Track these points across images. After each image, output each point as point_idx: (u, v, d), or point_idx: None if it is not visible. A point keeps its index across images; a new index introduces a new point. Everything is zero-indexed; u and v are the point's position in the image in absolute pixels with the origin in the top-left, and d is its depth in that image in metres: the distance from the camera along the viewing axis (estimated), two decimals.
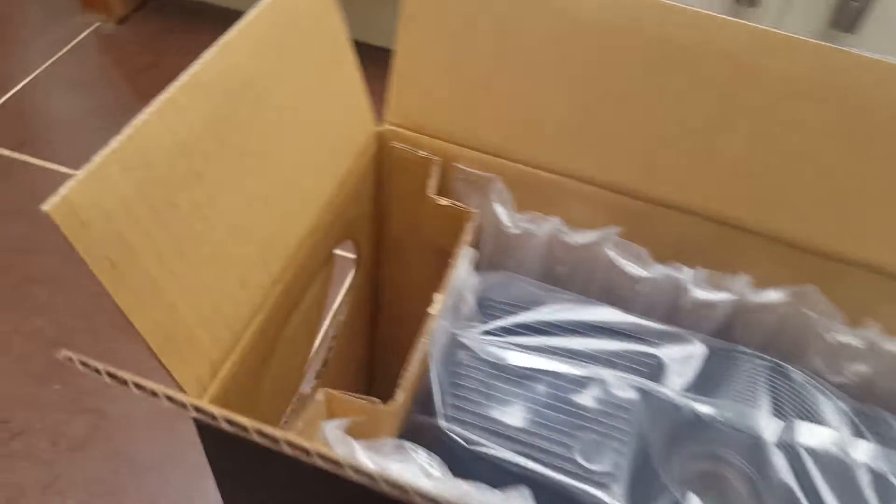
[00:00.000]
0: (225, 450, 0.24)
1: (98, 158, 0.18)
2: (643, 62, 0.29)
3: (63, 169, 0.74)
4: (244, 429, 0.17)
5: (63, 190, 0.18)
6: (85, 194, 0.18)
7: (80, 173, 0.18)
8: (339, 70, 0.30)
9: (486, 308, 0.33)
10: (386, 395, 0.27)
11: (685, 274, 0.30)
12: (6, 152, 0.75)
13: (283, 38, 0.26)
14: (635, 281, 0.31)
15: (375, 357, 0.45)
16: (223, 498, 0.27)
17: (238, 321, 0.26)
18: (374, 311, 0.43)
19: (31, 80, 0.85)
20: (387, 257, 0.39)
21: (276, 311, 0.28)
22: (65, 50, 0.89)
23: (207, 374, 0.24)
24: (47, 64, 0.87)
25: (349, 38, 0.31)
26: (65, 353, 0.18)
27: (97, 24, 0.94)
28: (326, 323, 0.36)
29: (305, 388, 0.31)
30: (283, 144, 0.26)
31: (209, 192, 0.23)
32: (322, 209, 0.30)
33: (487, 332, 0.32)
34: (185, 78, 0.21)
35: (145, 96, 0.72)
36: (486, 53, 0.32)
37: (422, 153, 0.34)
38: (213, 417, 0.17)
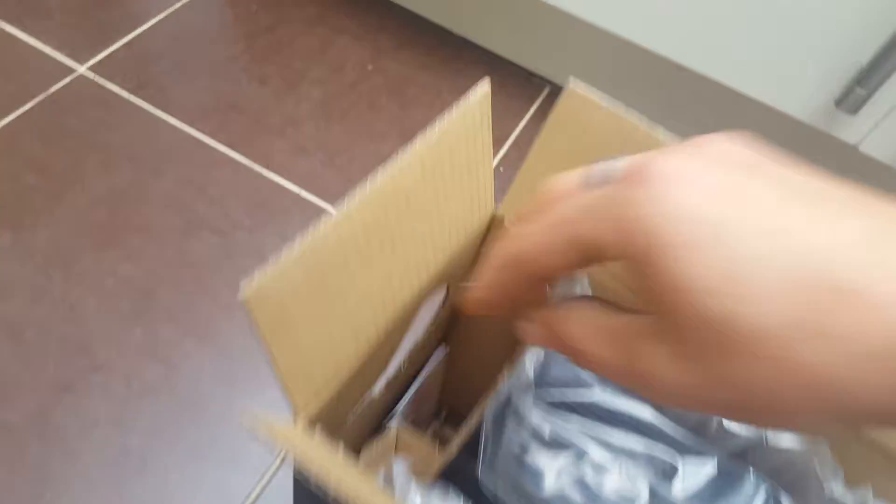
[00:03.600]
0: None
1: (285, 255, 0.26)
2: None
3: (172, 121, 0.84)
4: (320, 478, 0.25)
5: (257, 277, 0.26)
6: (271, 280, 0.26)
7: (271, 266, 0.26)
8: (478, 171, 0.38)
9: (543, 381, 0.40)
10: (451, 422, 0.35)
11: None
12: (125, 94, 0.85)
13: (442, 158, 0.33)
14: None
15: (446, 392, 0.54)
16: None
17: (344, 363, 0.34)
18: (454, 360, 0.51)
19: (157, 21, 0.94)
20: (474, 328, 0.47)
21: (375, 357, 0.36)
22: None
23: (312, 400, 0.33)
24: (175, 7, 0.97)
25: (491, 152, 0.38)
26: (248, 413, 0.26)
27: None
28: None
29: (388, 421, 0.40)
30: (416, 232, 0.34)
31: (352, 273, 0.30)
32: (431, 277, 0.37)
33: (537, 402, 0.39)
34: (358, 196, 0.28)
35: (257, 60, 0.81)
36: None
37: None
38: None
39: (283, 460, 0.62)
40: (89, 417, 0.62)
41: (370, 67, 0.97)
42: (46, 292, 0.68)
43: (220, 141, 0.83)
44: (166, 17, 0.95)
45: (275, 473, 0.62)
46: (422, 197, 0.34)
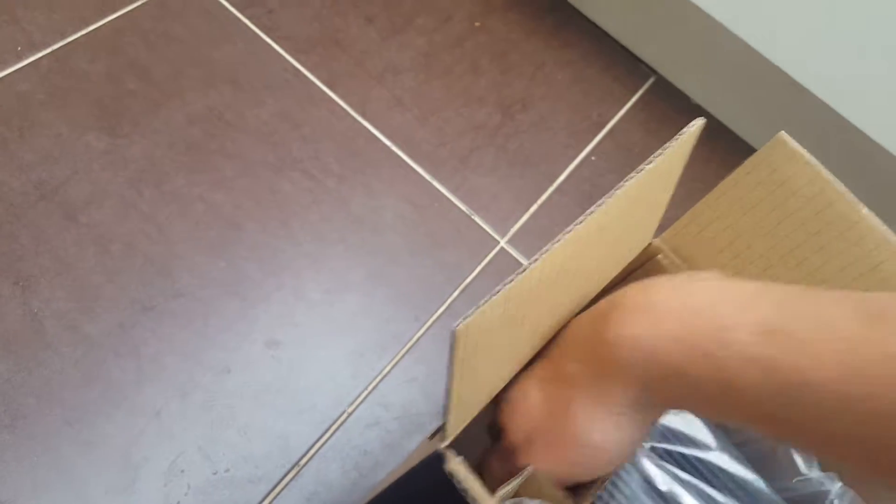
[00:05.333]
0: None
1: (489, 300, 0.27)
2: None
3: (276, 47, 0.83)
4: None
5: (469, 318, 0.27)
6: (476, 318, 0.27)
7: (478, 310, 0.27)
8: (659, 206, 0.39)
9: (663, 434, 0.42)
10: None
11: (833, 486, 0.39)
12: (233, 10, 0.84)
13: (641, 197, 0.34)
14: (796, 473, 0.39)
15: None
16: None
17: (496, 386, 0.35)
18: None
19: None
20: None
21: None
22: None
23: (459, 426, 0.34)
24: None
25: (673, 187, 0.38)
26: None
27: None
28: None
29: None
30: (590, 266, 0.35)
31: (529, 311, 0.32)
32: (587, 301, 0.38)
33: (653, 451, 0.41)
34: (561, 238, 0.29)
35: (357, 4, 0.79)
36: (772, 221, 0.39)
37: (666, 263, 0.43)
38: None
39: (347, 417, 0.65)
40: (164, 343, 0.64)
41: (478, 24, 0.96)
42: (135, 208, 0.69)
43: (320, 78, 0.83)
44: None
45: (336, 429, 0.64)
46: (612, 233, 0.34)
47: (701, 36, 0.89)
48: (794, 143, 0.36)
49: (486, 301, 0.27)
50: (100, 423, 0.59)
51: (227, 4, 0.84)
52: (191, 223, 0.69)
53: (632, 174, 0.32)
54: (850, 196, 0.36)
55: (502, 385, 0.36)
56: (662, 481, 0.40)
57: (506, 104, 0.90)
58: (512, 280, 0.28)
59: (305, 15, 0.88)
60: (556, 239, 0.29)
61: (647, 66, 1.00)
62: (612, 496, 0.39)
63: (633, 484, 0.40)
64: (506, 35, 0.96)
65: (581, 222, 0.30)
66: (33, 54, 0.75)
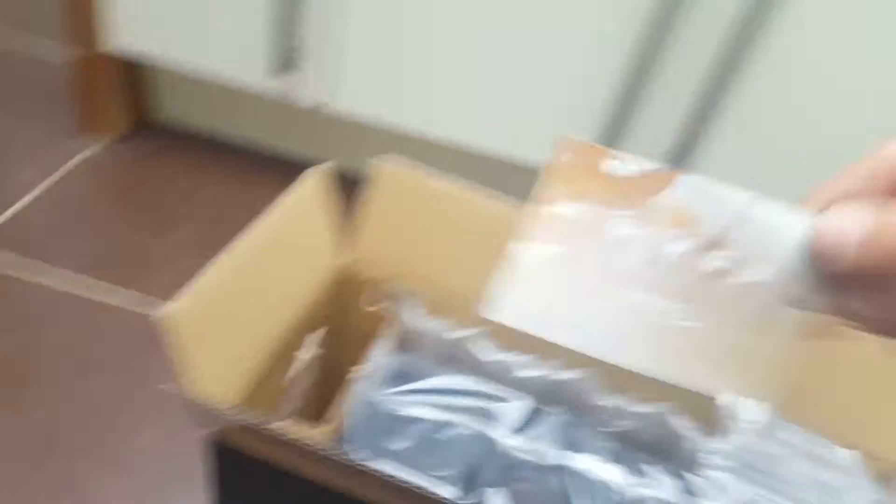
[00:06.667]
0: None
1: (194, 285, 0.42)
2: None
3: (57, 276, 0.97)
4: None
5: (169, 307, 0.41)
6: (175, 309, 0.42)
7: (179, 297, 0.41)
8: (323, 237, 0.55)
9: (397, 377, 0.55)
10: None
11: (517, 358, 0.54)
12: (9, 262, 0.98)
13: (291, 227, 0.51)
14: (486, 363, 0.55)
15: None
16: None
17: (239, 378, 0.49)
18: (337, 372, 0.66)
19: (37, 194, 1.09)
20: (346, 341, 0.63)
21: (264, 374, 0.51)
22: (63, 171, 1.14)
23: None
24: (50, 180, 1.11)
25: (334, 220, 0.55)
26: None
27: (93, 146, 1.20)
28: None
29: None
30: (279, 279, 0.51)
31: (234, 306, 0.47)
32: (299, 311, 0.53)
33: (392, 393, 0.54)
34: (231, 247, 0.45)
35: (133, 211, 0.96)
36: (417, 222, 0.56)
37: (366, 277, 0.58)
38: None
39: None
40: None
41: (236, 202, 1.14)
42: None
43: (103, 289, 0.96)
44: (44, 190, 1.10)
45: None
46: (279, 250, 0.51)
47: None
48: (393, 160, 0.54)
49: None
50: None
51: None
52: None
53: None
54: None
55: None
56: (403, 409, 0.53)
57: None
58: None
59: (81, 245, 1.02)
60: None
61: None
62: (362, 433, 0.52)
63: (382, 420, 0.53)
64: (264, 204, 1.15)
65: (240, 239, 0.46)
66: None
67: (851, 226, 0.25)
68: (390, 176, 0.56)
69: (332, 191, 0.57)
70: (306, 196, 0.55)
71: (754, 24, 0.87)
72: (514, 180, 1.07)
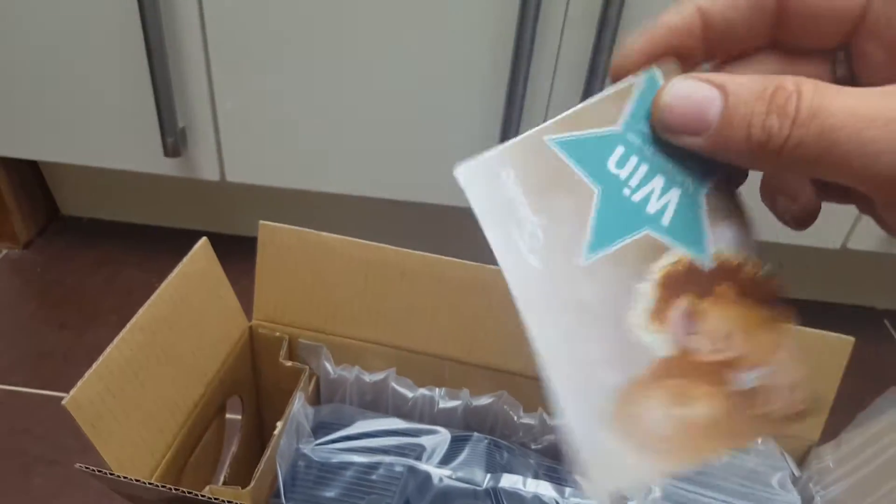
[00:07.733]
0: None
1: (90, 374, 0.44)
2: (402, 287, 0.57)
3: None
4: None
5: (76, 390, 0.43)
6: (84, 391, 0.43)
7: (85, 379, 0.43)
8: (223, 303, 0.57)
9: (322, 427, 0.57)
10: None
11: (435, 392, 0.57)
12: None
13: (187, 293, 0.53)
14: (408, 399, 0.57)
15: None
16: None
17: (158, 451, 0.50)
18: (259, 433, 0.67)
19: None
20: (264, 401, 0.64)
21: (183, 445, 0.52)
22: None
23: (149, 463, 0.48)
24: None
25: (229, 286, 0.58)
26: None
27: (3, 251, 1.20)
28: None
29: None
30: (184, 349, 0.53)
31: (143, 380, 0.48)
32: (211, 377, 0.55)
33: (321, 444, 0.56)
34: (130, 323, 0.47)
35: (52, 309, 0.99)
36: (310, 278, 0.59)
37: (276, 334, 0.60)
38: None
39: None
40: None
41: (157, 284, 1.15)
42: None
43: (35, 387, 0.96)
44: None
45: None
46: (179, 323, 0.53)
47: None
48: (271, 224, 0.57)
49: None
50: None
51: None
52: None
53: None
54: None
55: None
56: (334, 457, 0.55)
57: None
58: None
59: (1, 350, 1.02)
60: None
61: None
62: (294, 485, 0.54)
63: (314, 471, 0.54)
64: None
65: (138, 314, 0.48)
66: None
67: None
68: (275, 236, 0.59)
69: (219, 258, 0.59)
70: (195, 268, 0.57)
71: None
72: (426, 215, 1.12)
